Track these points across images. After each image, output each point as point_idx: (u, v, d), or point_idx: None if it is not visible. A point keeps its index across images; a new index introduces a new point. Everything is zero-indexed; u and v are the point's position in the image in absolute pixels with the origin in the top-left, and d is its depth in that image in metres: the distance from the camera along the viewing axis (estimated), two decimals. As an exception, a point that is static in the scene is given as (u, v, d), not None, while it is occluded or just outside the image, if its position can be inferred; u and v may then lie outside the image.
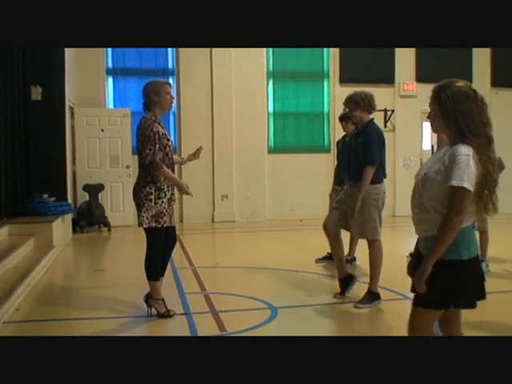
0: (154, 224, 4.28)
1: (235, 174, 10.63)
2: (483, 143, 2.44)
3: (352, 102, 4.88)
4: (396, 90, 11.16)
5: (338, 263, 5.04)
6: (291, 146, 10.95)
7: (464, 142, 2.43)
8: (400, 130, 11.15)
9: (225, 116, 10.51)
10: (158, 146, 4.23)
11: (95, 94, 10.08)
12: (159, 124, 4.32)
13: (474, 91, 2.49)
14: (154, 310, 4.40)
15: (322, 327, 4.43)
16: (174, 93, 11.07)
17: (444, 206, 2.43)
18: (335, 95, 10.66)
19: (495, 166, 2.44)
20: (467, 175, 2.35)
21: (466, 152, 2.39)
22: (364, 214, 4.72)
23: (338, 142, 6.79)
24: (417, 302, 2.55)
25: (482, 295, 2.52)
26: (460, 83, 2.51)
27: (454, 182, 2.36)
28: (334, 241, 5.01)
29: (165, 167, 4.26)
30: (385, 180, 4.94)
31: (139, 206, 4.30)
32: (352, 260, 6.29)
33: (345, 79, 10.71)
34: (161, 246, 4.40)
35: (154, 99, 4.31)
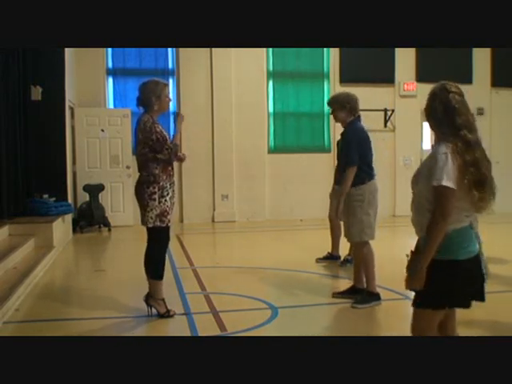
0: (158, 223, 4.31)
1: (235, 174, 10.62)
2: (458, 144, 2.44)
3: (337, 102, 4.91)
4: (396, 89, 11.15)
5: (355, 273, 4.97)
6: (291, 146, 10.94)
7: (442, 141, 2.48)
8: (400, 130, 11.14)
9: (225, 116, 10.51)
10: (168, 141, 4.30)
11: (95, 94, 10.07)
12: (159, 125, 4.35)
13: (447, 92, 2.50)
14: (154, 310, 4.41)
15: (322, 327, 4.42)
16: (173, 93, 11.07)
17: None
18: (335, 95, 10.66)
19: (479, 165, 2.43)
20: (446, 173, 2.39)
21: (444, 150, 2.43)
22: (350, 217, 4.71)
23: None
24: (415, 303, 2.55)
25: (479, 296, 2.53)
26: (437, 84, 2.57)
27: (435, 182, 2.41)
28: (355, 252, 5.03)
29: (173, 141, 4.35)
30: (375, 180, 4.82)
31: (144, 206, 4.32)
32: (352, 260, 6.27)
33: (345, 79, 10.71)
34: (166, 244, 4.45)
35: (154, 101, 4.34)
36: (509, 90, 11.46)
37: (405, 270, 2.67)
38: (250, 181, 10.68)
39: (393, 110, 11.03)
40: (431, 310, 2.51)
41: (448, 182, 2.38)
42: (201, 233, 9.64)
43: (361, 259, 4.78)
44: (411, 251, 2.68)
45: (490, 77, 11.49)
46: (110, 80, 10.32)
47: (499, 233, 8.26)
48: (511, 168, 10.84)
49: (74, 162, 9.52)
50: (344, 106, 4.83)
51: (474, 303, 2.56)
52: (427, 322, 2.56)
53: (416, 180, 2.57)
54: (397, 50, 10.95)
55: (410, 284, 2.49)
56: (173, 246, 4.59)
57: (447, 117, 2.48)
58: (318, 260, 6.52)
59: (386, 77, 10.98)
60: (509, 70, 11.25)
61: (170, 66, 10.49)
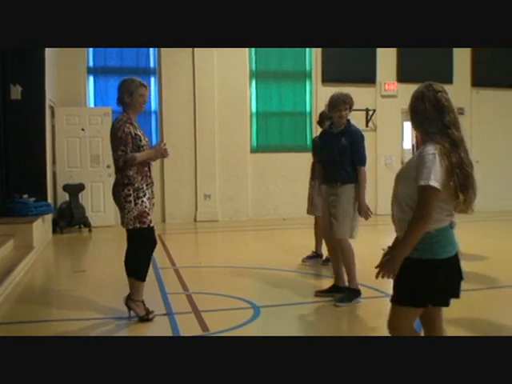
0: (138, 225, 4.23)
1: (218, 173, 10.61)
2: (446, 143, 2.46)
3: (346, 103, 4.87)
4: (377, 89, 11.23)
5: (336, 273, 4.99)
6: (274, 145, 10.97)
7: (430, 142, 2.49)
8: (381, 130, 11.23)
9: (207, 115, 10.48)
10: (130, 146, 4.18)
11: (76, 93, 9.97)
12: (131, 124, 4.23)
13: (435, 91, 2.53)
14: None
15: (304, 326, 4.44)
16: (155, 92, 10.90)
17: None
18: (317, 95, 10.70)
19: (464, 166, 2.46)
20: (434, 173, 2.41)
21: (432, 151, 2.45)
22: (344, 213, 4.74)
23: (314, 139, 6.82)
24: (395, 300, 2.57)
25: (456, 294, 2.56)
26: (422, 84, 2.59)
27: (422, 182, 2.42)
28: (334, 251, 5.00)
29: (136, 154, 4.18)
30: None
31: (121, 209, 4.26)
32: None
33: (327, 79, 10.76)
34: (149, 245, 4.36)
35: (126, 100, 4.25)
36: (489, 90, 11.60)
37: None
38: (232, 180, 10.68)
39: (374, 110, 11.10)
40: (409, 307, 2.53)
41: (434, 182, 2.39)
42: (183, 232, 9.60)
43: (346, 256, 4.79)
44: (388, 246, 2.71)
45: (471, 77, 11.63)
46: (91, 79, 10.23)
47: (477, 231, 8.36)
48: (491, 167, 10.99)
49: (53, 162, 9.41)
50: (351, 107, 4.94)
51: (451, 301, 2.59)
52: (405, 319, 2.59)
53: (400, 179, 2.59)
54: (378, 50, 11.04)
55: (380, 272, 2.51)
56: (155, 246, 4.54)
57: (437, 115, 2.50)
58: (305, 260, 6.43)
59: (367, 77, 11.05)
60: (489, 69, 11.39)
61: (152, 64, 10.44)
